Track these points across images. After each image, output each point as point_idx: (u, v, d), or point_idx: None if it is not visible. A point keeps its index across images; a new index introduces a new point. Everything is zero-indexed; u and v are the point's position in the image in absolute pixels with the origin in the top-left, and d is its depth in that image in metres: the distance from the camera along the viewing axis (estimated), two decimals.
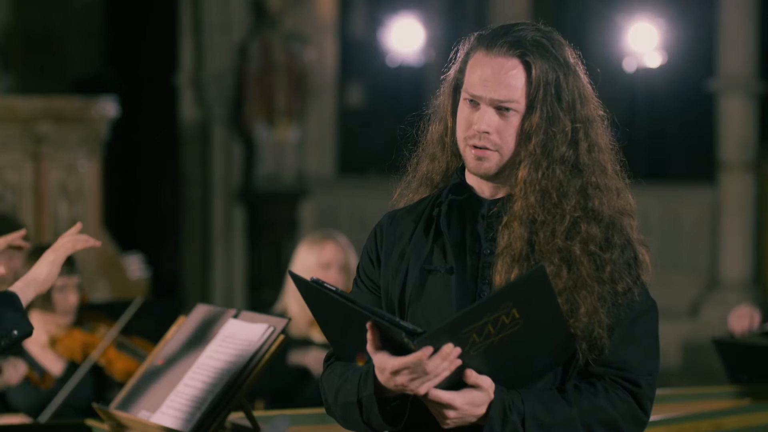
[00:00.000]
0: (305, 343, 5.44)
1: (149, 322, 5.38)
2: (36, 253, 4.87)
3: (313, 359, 5.40)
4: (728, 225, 10.44)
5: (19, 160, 8.27)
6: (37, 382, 4.78)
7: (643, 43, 10.18)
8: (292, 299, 5.48)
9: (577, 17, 11.45)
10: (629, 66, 10.32)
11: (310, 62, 11.03)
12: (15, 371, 4.71)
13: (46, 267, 3.20)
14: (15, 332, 3.04)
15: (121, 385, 4.68)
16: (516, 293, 2.38)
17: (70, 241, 3.27)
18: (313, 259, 5.46)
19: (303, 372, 5.41)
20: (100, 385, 4.94)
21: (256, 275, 10.90)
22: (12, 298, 3.09)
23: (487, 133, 2.57)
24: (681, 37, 10.45)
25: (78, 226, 3.33)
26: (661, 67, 10.41)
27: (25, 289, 3.14)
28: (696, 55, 10.82)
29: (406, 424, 2.53)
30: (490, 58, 2.58)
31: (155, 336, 5.05)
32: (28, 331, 3.08)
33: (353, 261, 5.52)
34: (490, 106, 2.58)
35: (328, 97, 11.54)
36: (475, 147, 2.59)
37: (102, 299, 7.07)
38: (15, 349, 4.86)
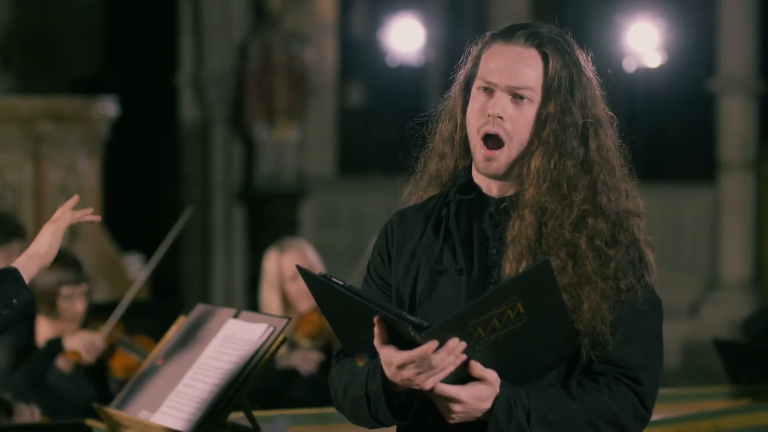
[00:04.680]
0: (290, 346, 5.45)
1: (149, 322, 5.39)
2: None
3: (299, 359, 5.41)
4: (728, 225, 10.44)
5: (19, 160, 8.27)
6: None
7: (643, 43, 10.18)
8: (268, 309, 5.49)
9: (577, 17, 11.45)
10: (629, 66, 10.32)
11: (310, 62, 11.03)
12: (30, 418, 4.64)
13: (47, 239, 3.19)
14: (14, 300, 3.05)
15: (120, 382, 4.69)
16: (521, 286, 2.39)
17: (70, 213, 3.26)
18: (275, 271, 5.47)
19: (292, 373, 5.41)
20: (104, 384, 4.94)
21: (256, 275, 10.86)
22: (11, 272, 3.10)
23: (501, 118, 2.59)
24: (681, 37, 10.45)
25: (75, 198, 3.32)
26: (661, 67, 10.41)
27: (27, 263, 3.15)
28: (696, 55, 10.82)
29: (413, 419, 2.55)
30: (507, 47, 2.62)
31: (155, 336, 5.06)
32: (28, 299, 3.08)
33: (315, 260, 5.53)
34: (505, 93, 2.60)
35: (328, 97, 11.54)
36: (487, 135, 2.60)
37: (102, 299, 7.06)
38: (27, 352, 4.84)
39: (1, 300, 3.04)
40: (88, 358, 4.80)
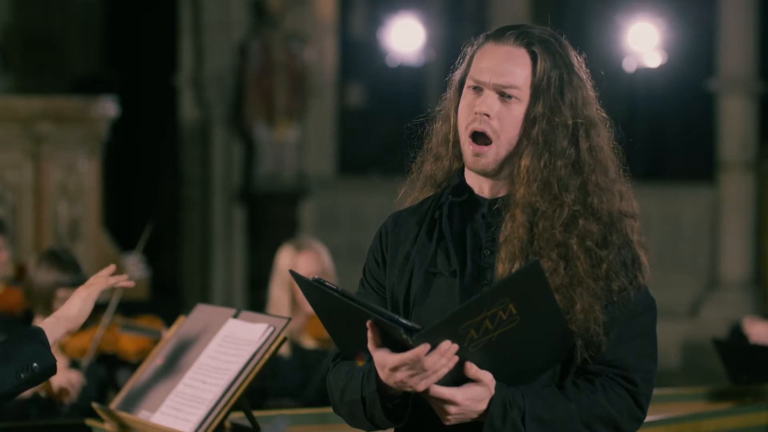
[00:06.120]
0: (295, 348, 5.44)
1: None
2: (45, 258, 4.77)
3: None
4: (728, 225, 10.44)
5: (19, 160, 8.27)
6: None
7: (643, 43, 10.17)
8: (278, 310, 5.47)
9: (577, 17, 11.46)
10: (629, 66, 10.32)
11: (310, 62, 11.03)
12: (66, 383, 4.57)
13: (79, 303, 3.16)
14: (35, 364, 2.99)
15: (136, 365, 4.65)
16: (512, 288, 2.40)
17: (104, 279, 3.24)
18: (288, 270, 5.45)
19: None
20: (110, 379, 4.92)
21: (256, 275, 10.89)
22: (38, 333, 3.04)
23: (488, 116, 2.60)
24: (681, 37, 10.45)
25: (111, 267, 3.31)
26: (661, 67, 10.41)
27: (55, 326, 3.10)
28: (696, 55, 10.82)
29: (408, 421, 2.56)
30: (498, 47, 2.63)
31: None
32: (50, 364, 3.02)
33: (329, 264, 5.52)
34: (493, 91, 2.61)
35: (328, 97, 11.54)
36: (475, 133, 2.61)
37: (102, 299, 7.07)
38: None
39: (22, 362, 2.98)
40: (68, 399, 4.66)
